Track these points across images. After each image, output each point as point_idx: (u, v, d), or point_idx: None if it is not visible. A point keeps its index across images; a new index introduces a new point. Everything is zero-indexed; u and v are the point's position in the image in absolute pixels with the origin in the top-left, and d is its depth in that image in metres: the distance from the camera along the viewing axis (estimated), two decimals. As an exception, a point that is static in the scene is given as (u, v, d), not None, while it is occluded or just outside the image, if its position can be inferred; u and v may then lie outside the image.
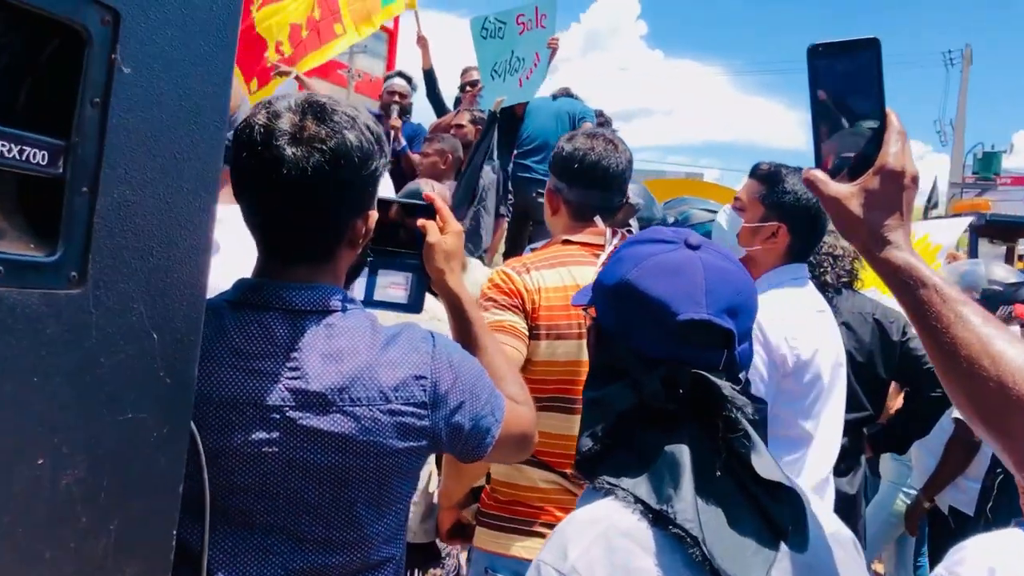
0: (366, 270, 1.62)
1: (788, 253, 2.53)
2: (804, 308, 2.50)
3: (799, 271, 2.55)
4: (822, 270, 3.13)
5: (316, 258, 1.39)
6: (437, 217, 1.66)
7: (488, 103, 5.76)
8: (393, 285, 1.67)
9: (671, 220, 3.34)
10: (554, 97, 6.40)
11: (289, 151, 1.28)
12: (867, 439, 3.38)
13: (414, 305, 1.67)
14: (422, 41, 6.79)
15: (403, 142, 5.97)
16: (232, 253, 1.63)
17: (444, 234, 1.65)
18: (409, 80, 6.34)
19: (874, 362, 3.19)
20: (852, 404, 2.98)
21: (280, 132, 1.29)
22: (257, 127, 1.31)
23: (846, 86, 1.12)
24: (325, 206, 1.33)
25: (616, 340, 1.17)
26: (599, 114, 7.03)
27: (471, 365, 1.48)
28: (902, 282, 1.07)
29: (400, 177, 5.64)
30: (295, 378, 1.30)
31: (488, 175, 5.14)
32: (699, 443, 1.08)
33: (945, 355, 1.02)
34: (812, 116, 1.13)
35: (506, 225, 5.80)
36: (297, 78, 6.48)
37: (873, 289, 5.61)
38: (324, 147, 1.29)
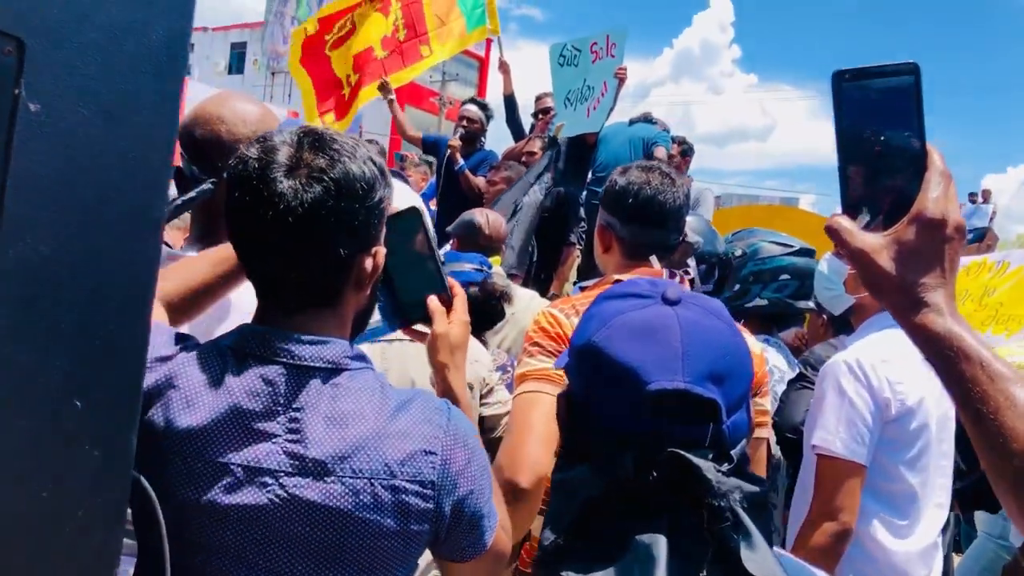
0: None
1: None
2: (910, 353, 2.31)
3: None
4: None
5: (320, 302, 1.26)
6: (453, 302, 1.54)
7: (563, 130, 5.67)
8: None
9: (738, 253, 3.14)
10: (631, 123, 6.24)
11: (286, 183, 1.16)
12: (955, 494, 3.10)
13: (388, 326, 1.54)
14: (504, 67, 6.77)
15: (459, 161, 5.90)
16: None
17: (451, 323, 1.52)
18: (484, 107, 6.29)
19: None
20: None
21: (276, 164, 1.18)
22: (251, 161, 1.19)
23: (880, 119, 0.95)
24: (328, 242, 1.20)
25: (585, 412, 1.02)
26: (681, 140, 6.81)
27: (483, 455, 1.33)
28: (941, 354, 0.89)
29: (459, 198, 5.58)
30: (295, 441, 1.18)
31: (534, 194, 4.99)
32: (680, 534, 0.91)
33: (991, 447, 0.83)
34: (838, 154, 0.96)
35: (577, 253, 5.65)
36: (390, 103, 6.49)
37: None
38: (324, 177, 1.17)
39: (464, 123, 6.10)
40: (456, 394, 1.50)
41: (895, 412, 2.21)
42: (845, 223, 0.95)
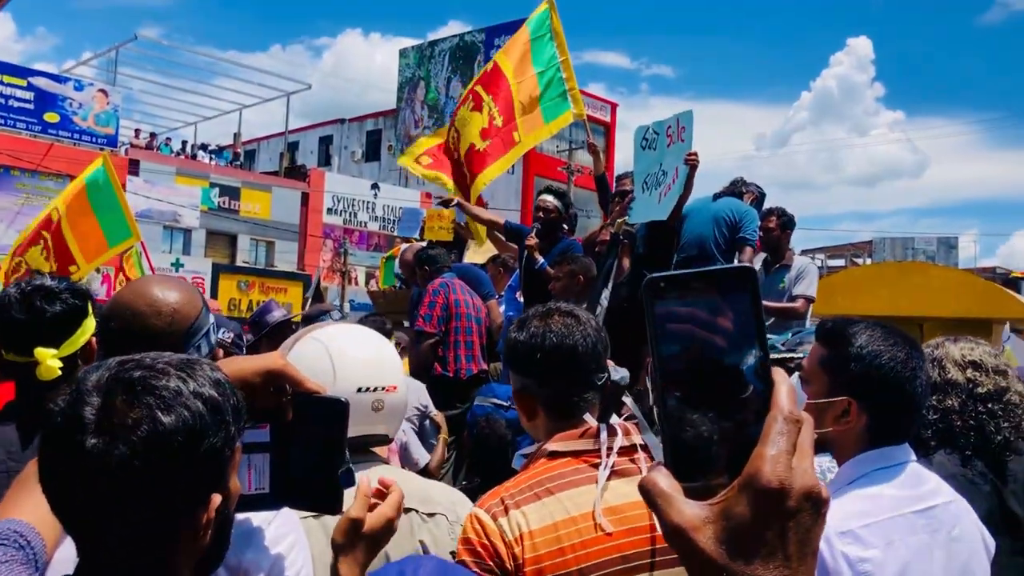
0: None
1: (872, 434, 1.95)
2: (890, 509, 1.89)
3: (890, 456, 1.95)
4: (967, 428, 2.41)
5: (142, 563, 1.12)
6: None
7: (636, 215, 5.47)
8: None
9: (782, 347, 2.84)
10: (715, 197, 5.94)
11: (90, 443, 1.04)
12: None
13: (270, 498, 1.41)
14: (591, 148, 6.68)
15: (538, 260, 5.77)
16: None
17: (369, 511, 1.43)
18: (561, 196, 6.15)
19: None
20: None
21: (82, 420, 1.06)
22: (56, 412, 1.09)
23: (709, 340, 0.73)
24: (142, 504, 1.07)
25: None
26: (780, 212, 6.34)
27: None
28: None
29: (543, 294, 5.44)
30: None
31: (605, 300, 4.65)
32: None
33: None
34: (656, 387, 0.73)
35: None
36: (459, 204, 6.62)
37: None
38: (132, 437, 1.05)
39: (540, 215, 5.97)
40: None
41: None
42: (662, 484, 0.70)
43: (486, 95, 6.79)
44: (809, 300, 6.05)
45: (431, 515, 2.12)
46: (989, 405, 2.41)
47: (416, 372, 5.42)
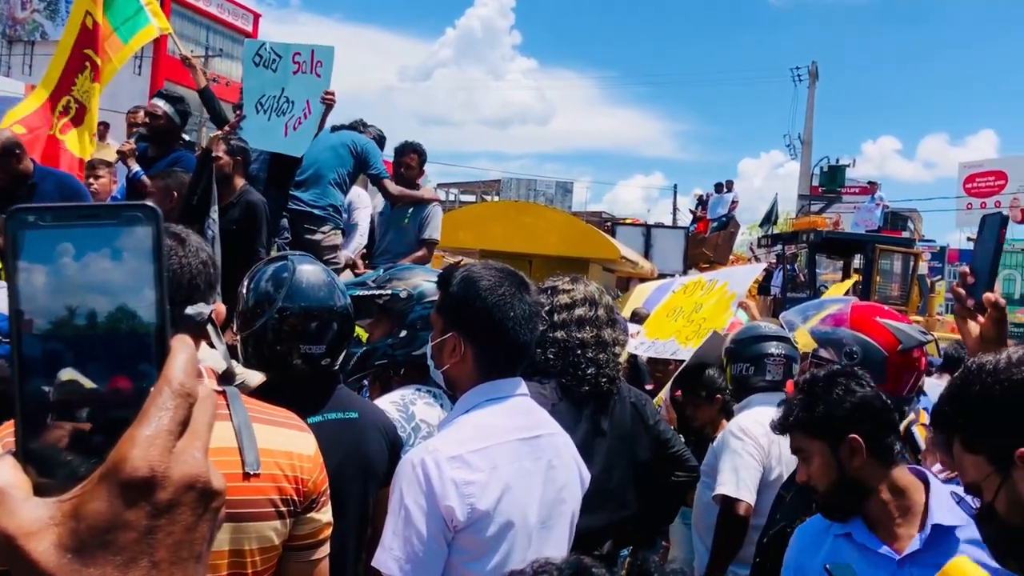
0: None
1: (482, 368, 2.04)
2: (497, 436, 2.00)
3: (500, 388, 2.05)
4: (581, 375, 2.73)
5: None
6: None
7: (248, 135, 5.15)
8: None
9: (403, 295, 2.82)
10: (333, 129, 5.72)
11: None
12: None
13: None
14: (187, 62, 6.03)
15: (134, 167, 5.27)
16: None
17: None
18: (174, 100, 5.61)
19: (635, 448, 2.87)
20: (618, 502, 2.78)
21: None
22: None
23: (87, 280, 0.57)
24: None
25: None
26: (421, 150, 6.25)
27: None
28: None
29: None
30: None
31: (213, 225, 4.28)
32: None
33: None
34: (10, 329, 0.57)
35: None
36: None
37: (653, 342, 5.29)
38: None
39: (147, 120, 5.41)
40: None
41: (464, 519, 1.88)
42: (2, 478, 0.55)
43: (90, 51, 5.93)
44: (434, 243, 6.18)
45: None
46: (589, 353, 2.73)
47: None
